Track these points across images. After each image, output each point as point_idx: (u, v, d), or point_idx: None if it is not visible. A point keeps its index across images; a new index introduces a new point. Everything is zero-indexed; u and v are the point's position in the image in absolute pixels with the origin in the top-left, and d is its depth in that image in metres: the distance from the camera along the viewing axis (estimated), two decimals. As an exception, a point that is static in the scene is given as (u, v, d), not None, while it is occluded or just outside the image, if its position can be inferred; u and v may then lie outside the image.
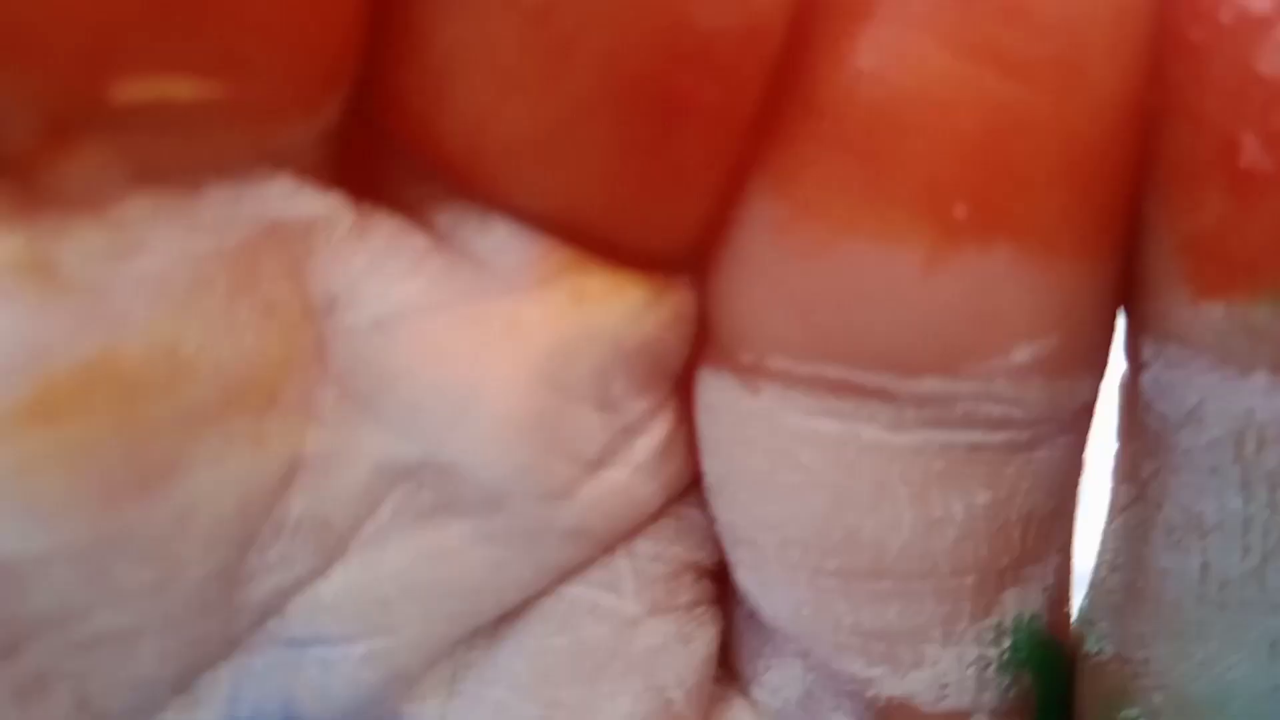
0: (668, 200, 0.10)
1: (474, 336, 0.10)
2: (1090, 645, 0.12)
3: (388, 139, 0.10)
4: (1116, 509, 0.12)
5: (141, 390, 0.09)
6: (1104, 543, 0.13)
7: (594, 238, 0.11)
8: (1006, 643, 0.12)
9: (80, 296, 0.09)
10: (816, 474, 0.11)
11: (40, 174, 0.09)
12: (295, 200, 0.10)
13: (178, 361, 0.09)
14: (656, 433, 0.12)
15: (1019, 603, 0.12)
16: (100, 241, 0.09)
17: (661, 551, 0.12)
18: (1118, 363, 0.12)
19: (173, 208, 0.09)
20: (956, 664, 0.12)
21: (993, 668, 0.12)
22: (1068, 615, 0.13)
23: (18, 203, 0.09)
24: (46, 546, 0.09)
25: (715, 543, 0.12)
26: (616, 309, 0.11)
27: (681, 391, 0.12)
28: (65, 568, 0.09)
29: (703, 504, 0.12)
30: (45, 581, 0.09)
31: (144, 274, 0.09)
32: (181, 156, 0.09)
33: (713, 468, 0.12)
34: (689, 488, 0.12)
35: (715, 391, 0.12)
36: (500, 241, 0.11)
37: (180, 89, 0.08)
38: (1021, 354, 0.11)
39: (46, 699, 0.10)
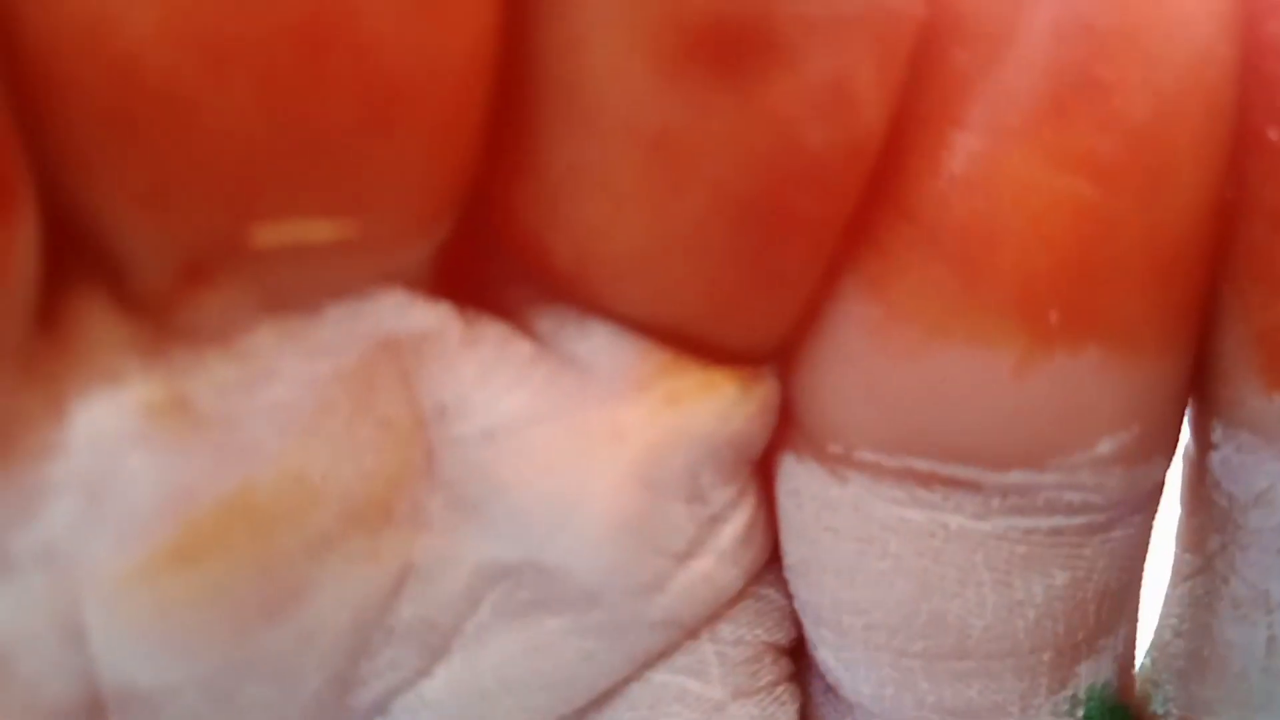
0: (764, 303, 0.11)
1: (576, 445, 0.11)
2: (1156, 706, 0.13)
3: (493, 245, 0.10)
4: (1181, 576, 0.13)
5: (274, 522, 0.09)
6: (1168, 607, 0.13)
7: (690, 339, 0.11)
8: (1080, 712, 0.12)
9: (215, 432, 0.09)
10: (903, 561, 0.11)
11: (173, 312, 0.09)
12: (408, 314, 0.10)
13: (306, 489, 0.09)
14: (740, 519, 0.12)
15: (1092, 673, 0.12)
16: (231, 374, 0.09)
17: (743, 634, 0.12)
18: (1184, 437, 0.12)
19: (295, 333, 0.09)
20: None
21: None
22: (1134, 677, 0.13)
23: (152, 341, 0.09)
24: (179, 677, 0.09)
25: (794, 621, 0.13)
26: (709, 407, 0.11)
27: (762, 475, 0.12)
28: (195, 693, 0.10)
29: (780, 584, 0.12)
30: (175, 706, 0.10)
31: (272, 403, 0.09)
32: (306, 285, 0.09)
33: (795, 550, 0.12)
34: (767, 568, 0.12)
35: (800, 478, 0.12)
36: (600, 345, 0.11)
37: (315, 231, 0.09)
38: (1105, 446, 0.11)
39: None
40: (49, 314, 0.09)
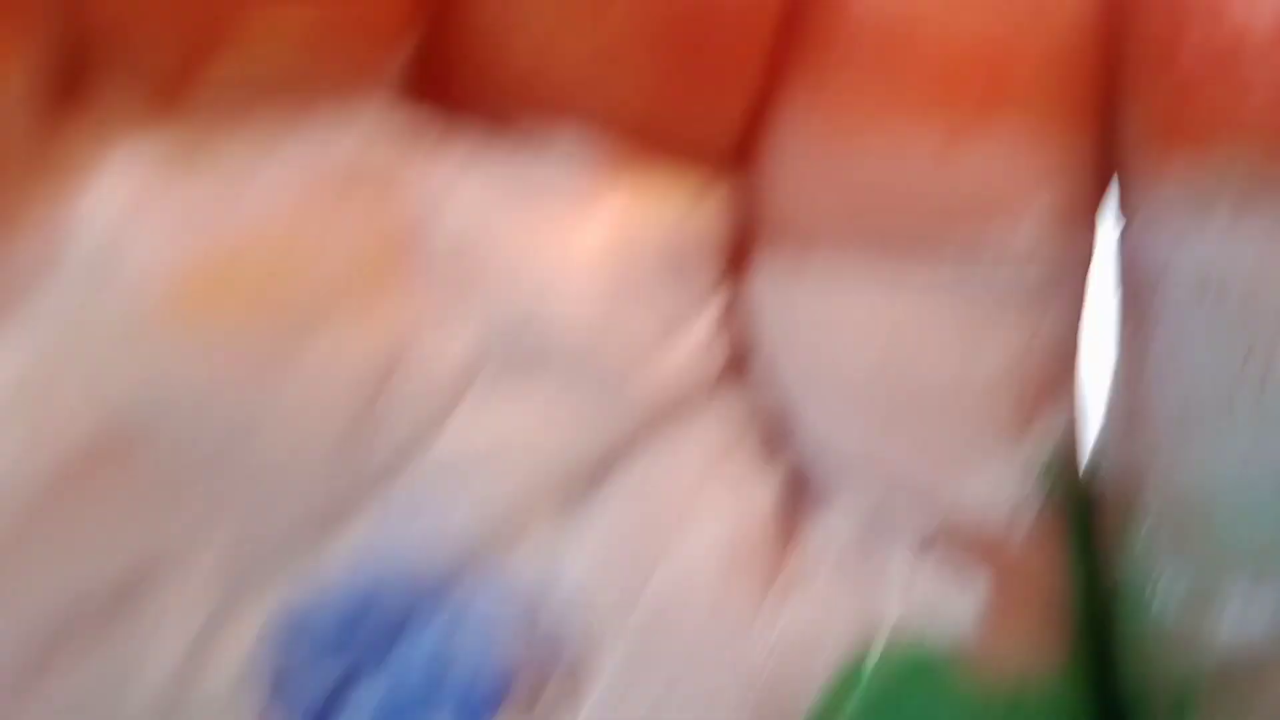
0: (707, 103, 0.12)
1: (548, 235, 0.12)
2: (1104, 474, 0.14)
3: (458, 76, 0.12)
4: (1117, 367, 0.14)
5: (274, 274, 0.11)
6: (1111, 385, 0.14)
7: (647, 142, 0.12)
8: (1040, 465, 0.14)
9: (221, 192, 0.11)
10: (864, 335, 0.13)
11: (181, 90, 0.11)
12: (386, 121, 0.12)
13: (302, 248, 0.11)
14: (711, 315, 0.13)
15: (1049, 430, 0.14)
16: (231, 153, 0.11)
17: (725, 416, 0.14)
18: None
19: (289, 125, 0.11)
20: (997, 489, 0.13)
21: (1029, 490, 0.14)
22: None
23: (160, 117, 0.11)
24: (201, 416, 0.11)
25: (771, 416, 0.14)
26: (672, 201, 0.13)
27: (732, 279, 0.14)
28: (234, 391, 0.11)
29: (756, 383, 0.14)
30: (199, 442, 0.11)
31: (269, 180, 0.11)
32: (295, 78, 0.11)
33: (765, 345, 0.14)
34: (740, 369, 0.14)
35: (764, 277, 0.13)
36: (563, 154, 0.12)
37: (295, 14, 0.11)
38: (1031, 215, 0.12)
39: (212, 534, 0.12)
40: (70, 89, 0.11)
